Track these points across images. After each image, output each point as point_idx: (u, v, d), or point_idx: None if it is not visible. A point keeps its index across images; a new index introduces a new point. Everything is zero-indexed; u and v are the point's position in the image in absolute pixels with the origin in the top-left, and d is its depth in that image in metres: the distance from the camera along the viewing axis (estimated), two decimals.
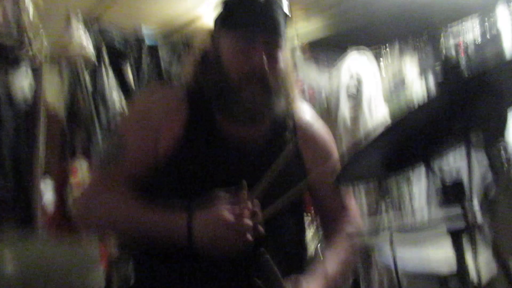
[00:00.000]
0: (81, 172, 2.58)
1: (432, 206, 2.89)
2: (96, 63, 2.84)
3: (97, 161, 2.48)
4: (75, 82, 2.76)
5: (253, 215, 0.99)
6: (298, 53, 3.30)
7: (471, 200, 0.82)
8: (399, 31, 3.13)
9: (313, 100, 3.31)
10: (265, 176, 1.03)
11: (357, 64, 3.24)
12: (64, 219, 2.50)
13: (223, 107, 1.12)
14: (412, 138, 0.86)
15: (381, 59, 3.38)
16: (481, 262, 0.81)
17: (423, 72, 3.17)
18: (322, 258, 1.14)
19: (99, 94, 2.83)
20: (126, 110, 2.79)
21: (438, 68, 3.00)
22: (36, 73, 2.43)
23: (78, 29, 2.71)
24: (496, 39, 2.76)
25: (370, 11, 2.98)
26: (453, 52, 2.92)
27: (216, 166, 1.09)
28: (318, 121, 1.29)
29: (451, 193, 0.83)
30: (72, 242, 1.58)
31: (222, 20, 1.14)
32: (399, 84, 3.27)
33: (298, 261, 1.17)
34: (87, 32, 2.76)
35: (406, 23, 3.00)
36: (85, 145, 2.71)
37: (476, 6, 2.82)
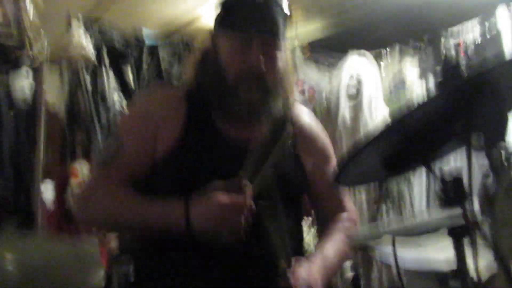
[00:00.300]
0: (81, 172, 2.58)
1: (432, 206, 2.88)
2: (96, 64, 2.84)
3: (97, 159, 2.48)
4: (75, 82, 2.76)
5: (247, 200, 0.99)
6: (298, 53, 3.30)
7: (471, 200, 0.82)
8: (400, 32, 3.13)
9: (313, 100, 3.31)
10: (262, 168, 1.03)
11: (358, 65, 3.23)
12: (64, 219, 2.50)
13: (221, 107, 1.13)
14: (412, 139, 0.86)
15: (381, 59, 3.37)
16: (481, 262, 0.81)
17: (423, 73, 3.16)
18: (319, 245, 1.16)
19: (99, 94, 2.83)
20: (126, 110, 2.79)
21: (438, 69, 3.00)
22: (37, 73, 2.43)
23: (78, 29, 2.71)
24: (496, 39, 2.76)
25: (371, 11, 2.98)
26: (453, 53, 2.92)
27: (214, 165, 1.10)
28: (316, 122, 1.30)
29: (451, 193, 0.83)
30: (72, 242, 1.58)
31: (220, 20, 1.15)
32: (399, 85, 3.27)
33: None
34: (87, 33, 2.77)
35: (407, 23, 3.00)
36: (85, 145, 2.72)
37: (476, 7, 2.83)
